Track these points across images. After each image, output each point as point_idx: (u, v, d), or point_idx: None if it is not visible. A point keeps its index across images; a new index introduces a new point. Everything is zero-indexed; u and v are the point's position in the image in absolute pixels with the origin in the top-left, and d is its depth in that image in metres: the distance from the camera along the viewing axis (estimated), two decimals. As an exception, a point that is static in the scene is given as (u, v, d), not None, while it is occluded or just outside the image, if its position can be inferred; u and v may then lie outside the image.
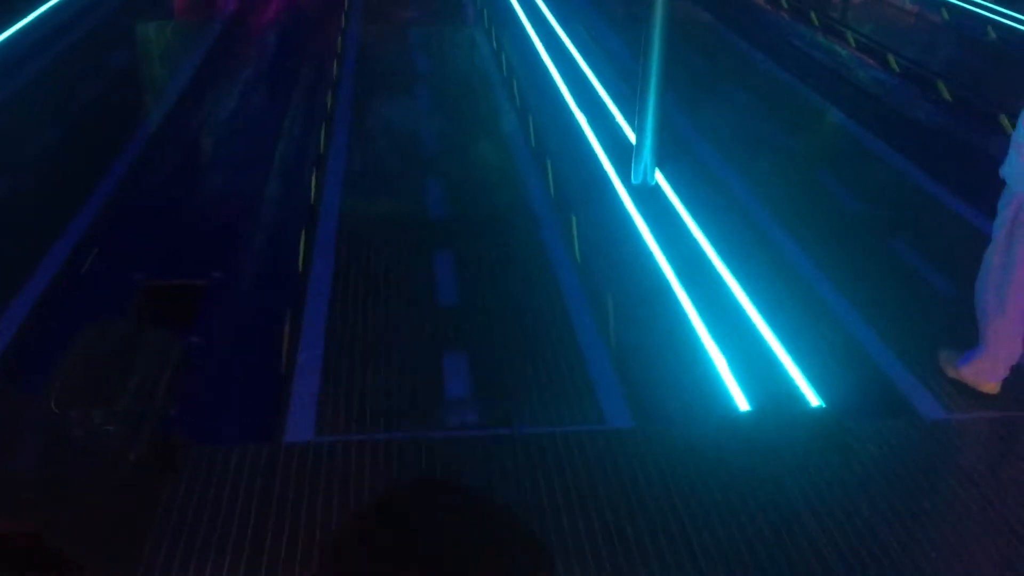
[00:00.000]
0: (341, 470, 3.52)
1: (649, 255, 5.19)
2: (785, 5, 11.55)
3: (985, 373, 3.97)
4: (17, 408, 3.19)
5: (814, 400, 3.97)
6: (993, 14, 10.70)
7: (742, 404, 3.93)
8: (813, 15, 10.81)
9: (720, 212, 5.76)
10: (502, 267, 5.21)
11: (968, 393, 4.02)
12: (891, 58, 9.15)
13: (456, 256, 5.31)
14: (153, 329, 3.77)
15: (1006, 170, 3.74)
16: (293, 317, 4.51)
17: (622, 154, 6.46)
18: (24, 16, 9.50)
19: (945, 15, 11.04)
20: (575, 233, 5.48)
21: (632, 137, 6.21)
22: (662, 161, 6.10)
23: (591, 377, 4.15)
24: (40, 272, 4.90)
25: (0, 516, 2.69)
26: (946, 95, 8.24)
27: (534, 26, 10.07)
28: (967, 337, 4.08)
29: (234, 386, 4.16)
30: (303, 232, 5.44)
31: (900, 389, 4.11)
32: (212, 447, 3.59)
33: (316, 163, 6.59)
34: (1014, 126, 3.76)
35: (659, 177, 6.11)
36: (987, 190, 4.04)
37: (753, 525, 3.28)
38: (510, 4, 10.93)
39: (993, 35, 10.31)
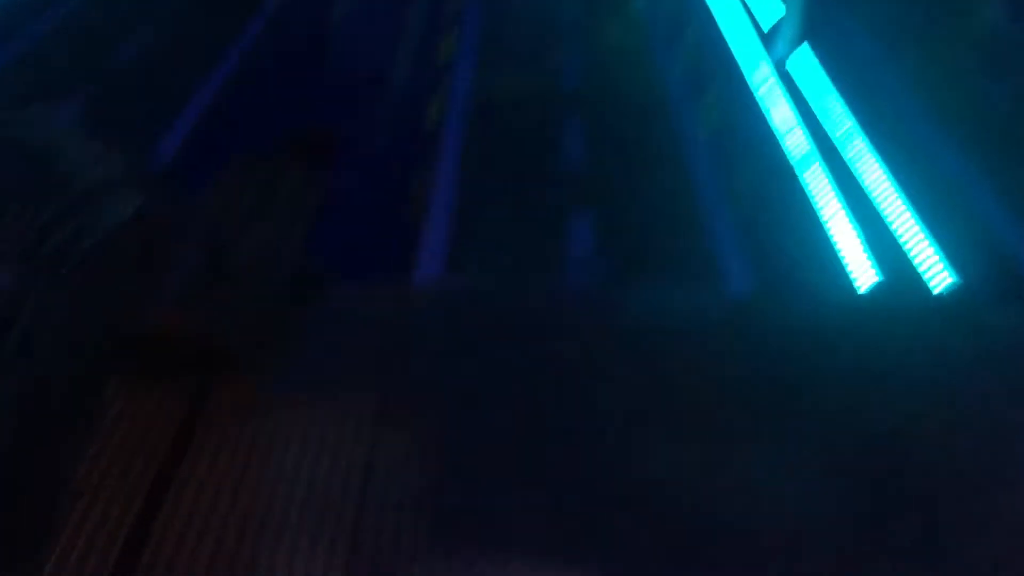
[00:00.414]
0: (463, 313, 3.64)
1: (785, 132, 5.07)
2: None
3: None
4: (183, 215, 3.37)
5: (946, 282, 3.89)
6: None
7: (871, 281, 3.88)
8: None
9: (862, 93, 5.55)
10: (631, 137, 5.19)
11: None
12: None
13: (585, 125, 5.30)
14: (294, 167, 3.91)
15: None
16: (426, 168, 4.62)
17: (765, 29, 6.25)
18: None
19: None
20: (709, 105, 5.39)
21: (776, 13, 6.01)
22: (807, 37, 5.88)
23: (714, 246, 4.14)
24: (188, 112, 5.11)
25: (166, 314, 2.89)
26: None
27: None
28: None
29: (369, 227, 4.31)
30: (436, 92, 5.50)
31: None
32: (345, 281, 3.75)
33: (450, 26, 6.60)
34: None
35: (801, 54, 5.90)
36: None
37: (877, 402, 3.24)
38: None
39: None
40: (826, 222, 4.29)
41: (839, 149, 4.90)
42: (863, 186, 4.57)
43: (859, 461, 2.98)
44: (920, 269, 4.00)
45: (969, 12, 7.47)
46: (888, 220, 4.30)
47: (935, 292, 3.89)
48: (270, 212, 3.45)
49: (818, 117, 5.22)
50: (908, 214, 4.28)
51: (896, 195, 4.43)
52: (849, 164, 4.75)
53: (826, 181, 4.57)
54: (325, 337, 3.47)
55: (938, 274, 3.95)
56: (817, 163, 4.74)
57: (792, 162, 4.81)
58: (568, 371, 3.38)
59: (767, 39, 5.98)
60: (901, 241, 4.16)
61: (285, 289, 3.46)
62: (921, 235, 4.14)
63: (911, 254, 4.08)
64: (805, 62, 5.86)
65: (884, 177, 4.57)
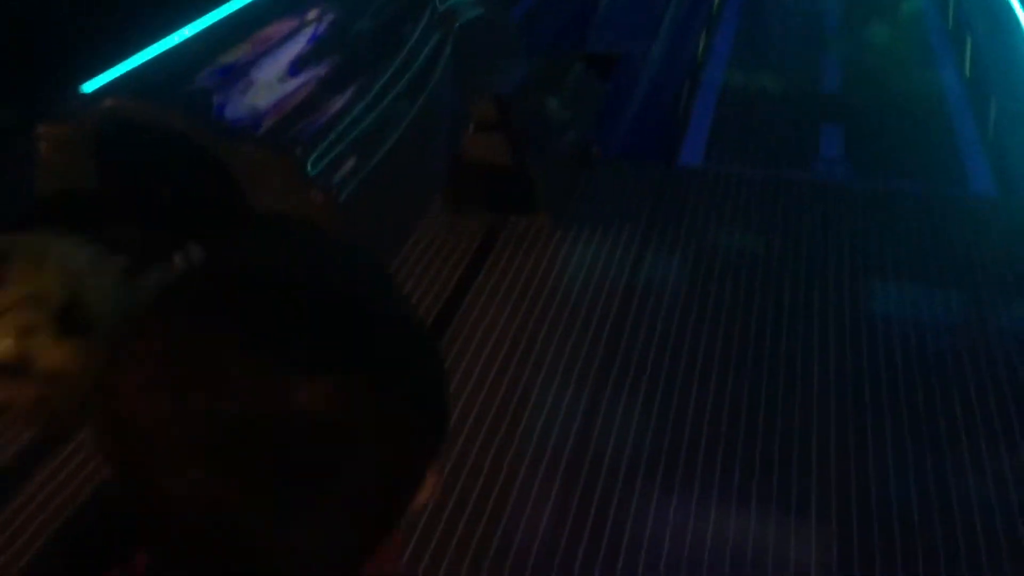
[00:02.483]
0: (721, 194, 4.17)
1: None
2: None
3: None
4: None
5: None
6: None
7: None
8: None
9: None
10: (887, 67, 5.51)
11: None
12: None
13: (842, 59, 5.66)
14: (585, 69, 4.62)
15: None
16: (692, 79, 5.18)
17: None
18: None
19: None
20: (968, 47, 5.59)
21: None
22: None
23: (960, 152, 4.43)
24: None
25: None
26: None
27: None
28: None
29: (639, 122, 4.92)
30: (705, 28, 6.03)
31: None
32: (619, 161, 4.39)
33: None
34: None
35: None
36: None
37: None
38: None
39: None
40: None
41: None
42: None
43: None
44: None
45: None
46: None
47: None
48: (566, 86, 4.19)
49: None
50: None
51: None
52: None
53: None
54: (601, 197, 4.12)
55: None
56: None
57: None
58: (804, 247, 3.81)
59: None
60: None
61: (575, 157, 4.18)
62: None
63: None
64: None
65: None
